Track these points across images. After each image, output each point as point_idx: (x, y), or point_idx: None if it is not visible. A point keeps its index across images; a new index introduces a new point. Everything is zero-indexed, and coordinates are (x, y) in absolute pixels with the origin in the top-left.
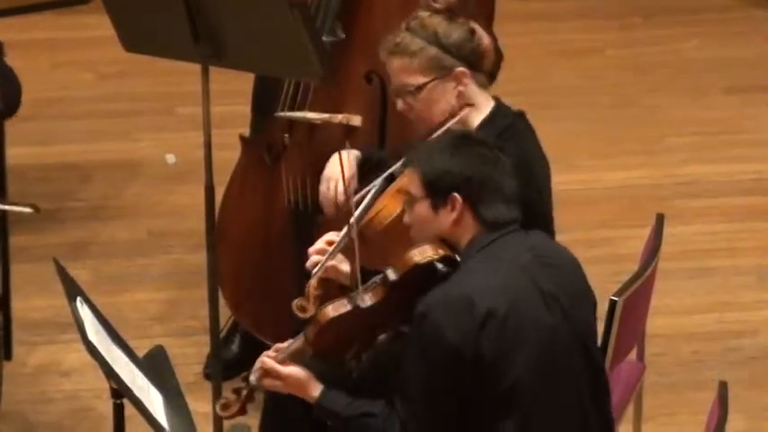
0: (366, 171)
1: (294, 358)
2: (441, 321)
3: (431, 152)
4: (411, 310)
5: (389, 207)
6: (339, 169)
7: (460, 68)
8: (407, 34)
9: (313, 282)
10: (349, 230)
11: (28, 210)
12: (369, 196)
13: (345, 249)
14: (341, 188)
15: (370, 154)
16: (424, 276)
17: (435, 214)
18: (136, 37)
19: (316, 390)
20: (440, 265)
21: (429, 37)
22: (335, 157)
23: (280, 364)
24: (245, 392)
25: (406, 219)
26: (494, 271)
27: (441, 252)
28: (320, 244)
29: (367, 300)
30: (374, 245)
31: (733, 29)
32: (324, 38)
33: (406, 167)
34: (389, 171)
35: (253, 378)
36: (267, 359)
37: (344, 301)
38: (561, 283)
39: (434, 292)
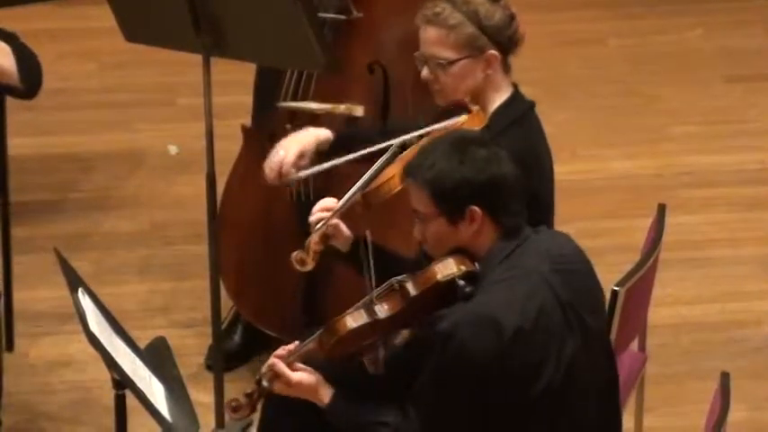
0: (338, 150)
1: (304, 361)
2: (468, 342)
3: (434, 163)
4: (426, 318)
5: (397, 178)
6: (294, 143)
7: (492, 52)
8: (449, 6)
9: (315, 237)
10: (355, 191)
11: None
12: (377, 164)
13: (349, 213)
14: (288, 159)
15: (351, 134)
16: (443, 291)
17: (454, 229)
18: (137, 27)
19: (326, 395)
20: (461, 282)
21: (470, 14)
22: (299, 132)
23: (290, 368)
24: (256, 395)
25: (417, 234)
26: (517, 284)
27: (462, 268)
28: (327, 202)
29: (385, 311)
30: (378, 213)
31: (736, 18)
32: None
33: (370, 181)
34: (401, 139)
35: (265, 381)
36: (277, 361)
37: (362, 311)
38: (577, 288)
39: (461, 310)
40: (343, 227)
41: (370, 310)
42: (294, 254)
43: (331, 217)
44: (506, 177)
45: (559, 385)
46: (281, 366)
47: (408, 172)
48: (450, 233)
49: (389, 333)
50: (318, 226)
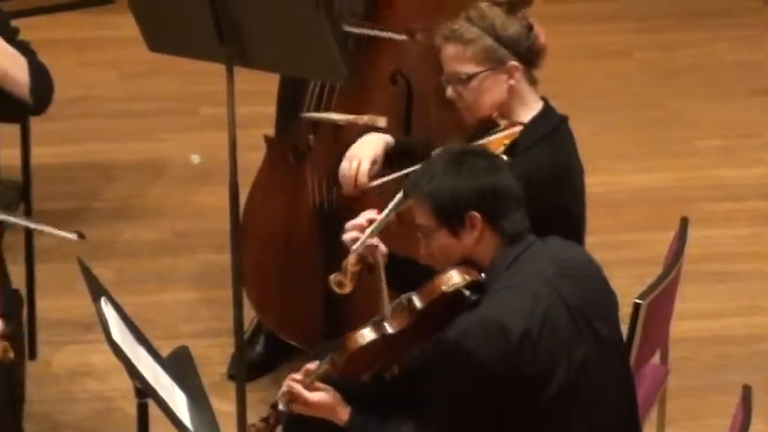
0: (395, 158)
1: (321, 381)
2: (476, 349)
3: (432, 177)
4: (437, 333)
5: None
6: (366, 150)
7: (513, 62)
8: (465, 22)
9: (351, 258)
10: (390, 212)
11: (73, 236)
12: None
13: (384, 230)
14: (363, 168)
15: (403, 141)
16: (451, 303)
17: (457, 239)
18: (160, 36)
19: (344, 413)
20: (467, 292)
21: (486, 27)
22: (365, 137)
23: (307, 389)
24: (273, 420)
25: (424, 251)
26: (522, 289)
27: (467, 278)
28: (359, 220)
29: (394, 326)
30: (410, 228)
31: (760, 32)
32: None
33: (406, 198)
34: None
35: (281, 404)
36: (294, 384)
37: (371, 328)
38: (585, 293)
39: (467, 318)
40: (381, 246)
41: (379, 326)
42: (332, 276)
43: (367, 237)
44: (506, 186)
45: (571, 390)
46: (298, 388)
47: (410, 188)
48: (453, 244)
49: (402, 350)
50: (355, 246)
